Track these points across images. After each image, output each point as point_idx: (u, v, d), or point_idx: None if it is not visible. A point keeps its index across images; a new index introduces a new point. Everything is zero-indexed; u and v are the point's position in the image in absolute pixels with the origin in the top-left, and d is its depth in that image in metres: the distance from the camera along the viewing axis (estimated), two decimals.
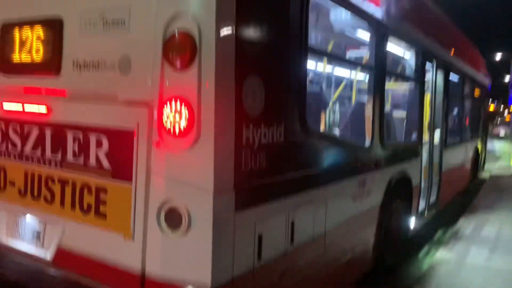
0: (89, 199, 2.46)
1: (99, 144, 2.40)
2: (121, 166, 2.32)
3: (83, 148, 2.47)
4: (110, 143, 2.36)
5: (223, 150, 2.14)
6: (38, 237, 2.76)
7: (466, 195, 9.07)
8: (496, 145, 18.52)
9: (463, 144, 8.20)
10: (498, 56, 37.49)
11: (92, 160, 2.43)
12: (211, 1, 2.05)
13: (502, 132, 27.48)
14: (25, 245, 2.81)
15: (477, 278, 4.49)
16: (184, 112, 2.09)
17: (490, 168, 13.78)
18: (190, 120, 2.09)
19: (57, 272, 2.59)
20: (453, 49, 6.93)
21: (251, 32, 2.30)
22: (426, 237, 6.15)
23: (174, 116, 2.11)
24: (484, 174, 12.36)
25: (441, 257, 5.10)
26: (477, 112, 10.17)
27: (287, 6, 2.64)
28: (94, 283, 2.41)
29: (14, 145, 2.82)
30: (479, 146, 10.45)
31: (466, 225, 6.64)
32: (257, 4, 2.35)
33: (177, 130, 2.12)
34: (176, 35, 2.10)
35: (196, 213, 2.12)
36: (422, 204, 5.75)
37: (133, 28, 2.28)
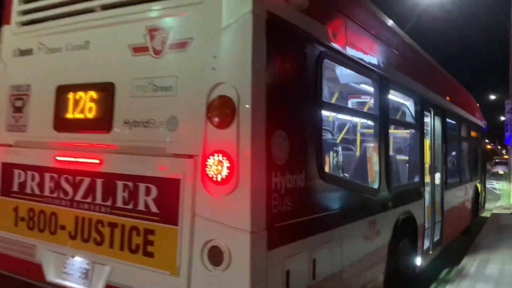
0: (137, 240, 2.80)
1: (147, 191, 2.77)
2: (168, 210, 2.68)
3: (132, 195, 2.84)
4: (158, 190, 2.73)
5: (257, 195, 2.51)
6: (86, 276, 3.06)
7: (468, 234, 9.34)
8: (495, 184, 18.86)
9: (463, 185, 8.55)
10: (493, 97, 38.69)
11: (141, 206, 2.79)
12: (248, 75, 2.48)
13: (500, 170, 27.84)
14: (72, 284, 3.11)
15: None
16: (225, 163, 2.48)
17: (491, 207, 14.07)
18: (230, 170, 2.47)
19: None
20: (448, 97, 7.44)
21: (277, 96, 2.73)
22: (432, 275, 6.41)
23: (217, 167, 2.49)
24: (485, 213, 12.64)
25: None
26: (475, 153, 10.59)
27: (304, 72, 3.09)
28: None
29: (65, 193, 3.19)
30: (479, 186, 10.80)
31: (470, 263, 6.88)
32: (281, 74, 2.79)
33: (219, 178, 2.50)
34: (219, 100, 2.52)
35: (236, 251, 2.46)
36: (426, 243, 6.03)
37: (180, 93, 2.71)
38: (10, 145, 3.59)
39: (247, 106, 2.48)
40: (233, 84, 2.51)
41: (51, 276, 3.24)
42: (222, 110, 2.51)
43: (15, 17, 3.69)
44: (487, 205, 14.17)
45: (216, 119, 2.52)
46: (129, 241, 2.84)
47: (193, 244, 2.57)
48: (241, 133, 2.48)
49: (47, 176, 3.30)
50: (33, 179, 3.39)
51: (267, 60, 2.59)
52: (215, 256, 2.50)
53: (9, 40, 3.71)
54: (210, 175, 2.52)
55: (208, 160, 2.53)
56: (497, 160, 36.11)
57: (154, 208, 2.74)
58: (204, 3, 2.67)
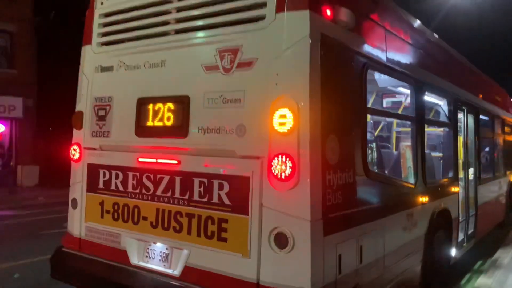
0: (212, 228, 3.35)
1: (221, 186, 3.32)
2: (239, 202, 3.21)
3: (208, 190, 3.39)
4: (230, 185, 3.27)
5: (315, 190, 3.01)
6: (166, 259, 3.64)
7: (503, 228, 9.56)
8: None
9: (497, 180, 8.79)
10: None
11: (215, 199, 3.34)
12: (306, 89, 2.98)
13: None
14: (154, 266, 3.70)
15: None
16: (288, 164, 2.99)
17: None
18: (293, 169, 2.98)
19: (184, 284, 3.44)
20: (481, 95, 7.72)
21: (329, 105, 3.20)
22: (467, 265, 6.76)
23: (281, 166, 3.01)
24: None
25: (481, 284, 5.70)
26: (509, 149, 10.74)
27: (351, 83, 3.57)
28: None
29: (147, 189, 3.77)
30: None
31: (504, 255, 7.19)
32: (332, 86, 3.27)
33: (283, 176, 3.01)
34: (282, 110, 3.02)
35: (298, 236, 2.97)
36: (461, 235, 6.40)
37: (246, 105, 3.23)
38: (94, 149, 4.22)
39: (305, 114, 2.98)
40: (294, 97, 3.02)
41: (134, 259, 3.83)
42: (283, 119, 3.02)
43: (95, 38, 4.31)
44: None
45: (279, 127, 3.03)
46: (205, 228, 3.39)
47: (261, 230, 3.10)
48: (300, 138, 2.99)
49: (130, 174, 3.90)
50: (117, 177, 3.99)
51: (321, 75, 3.08)
52: (281, 240, 3.01)
53: (91, 58, 4.33)
54: (275, 173, 3.03)
55: (273, 161, 3.04)
56: None
57: (227, 201, 3.28)
58: (267, 28, 3.17)
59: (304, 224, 2.95)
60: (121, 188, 3.97)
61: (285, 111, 3.02)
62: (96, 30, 4.31)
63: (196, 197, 3.46)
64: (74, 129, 4.43)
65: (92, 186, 4.19)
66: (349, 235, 3.37)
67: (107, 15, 4.26)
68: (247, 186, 3.17)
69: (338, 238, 3.23)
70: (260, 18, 3.22)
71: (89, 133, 4.28)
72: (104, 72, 4.21)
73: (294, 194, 3.00)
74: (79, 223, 4.27)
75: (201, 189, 3.43)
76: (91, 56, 4.34)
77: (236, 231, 3.23)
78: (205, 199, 3.40)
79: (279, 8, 3.12)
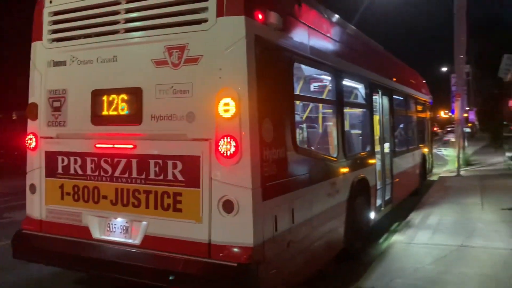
0: (168, 201, 3.94)
1: (174, 166, 3.91)
2: (191, 178, 3.83)
3: (162, 169, 3.97)
4: (183, 164, 3.87)
5: (255, 164, 3.70)
6: (126, 231, 4.19)
7: (417, 195, 10.97)
8: (445, 151, 20.91)
9: (410, 152, 10.08)
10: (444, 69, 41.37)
11: (170, 176, 3.93)
12: (245, 81, 3.63)
13: (452, 138, 30.22)
14: (115, 238, 4.23)
15: (421, 250, 6.18)
16: (232, 143, 3.64)
17: (439, 172, 15.92)
18: (236, 148, 3.64)
19: (145, 251, 4.03)
20: (395, 78, 8.84)
21: (264, 93, 3.88)
22: (385, 227, 7.89)
23: (226, 146, 3.66)
24: (434, 177, 14.42)
25: (395, 240, 6.78)
26: (422, 125, 12.18)
27: (281, 74, 4.28)
28: (174, 253, 3.87)
29: (105, 171, 4.27)
30: (426, 153, 12.45)
31: (416, 217, 8.42)
32: (266, 77, 3.94)
33: (228, 154, 3.65)
34: (225, 100, 3.66)
35: (242, 202, 3.65)
36: (379, 201, 7.47)
37: (195, 94, 3.82)
38: (51, 137, 4.61)
39: (245, 102, 3.64)
40: (235, 87, 3.66)
41: (96, 234, 4.34)
42: (227, 106, 3.66)
43: (46, 35, 4.66)
44: (437, 170, 16.05)
45: (224, 113, 3.67)
46: (161, 202, 3.98)
47: (211, 199, 3.75)
48: (242, 122, 3.65)
49: (88, 159, 4.37)
50: (76, 162, 4.44)
51: (256, 69, 3.74)
52: (228, 206, 3.68)
53: (42, 54, 4.68)
54: (222, 152, 3.68)
55: (220, 141, 3.68)
56: (449, 129, 38.78)
57: (180, 177, 3.89)
58: (209, 30, 3.77)
59: (246, 192, 3.64)
60: (80, 172, 4.43)
61: (228, 100, 3.66)
62: (46, 27, 4.66)
63: (152, 176, 4.03)
64: (28, 120, 4.78)
65: (51, 171, 4.60)
66: (283, 200, 4.12)
67: (57, 13, 4.62)
68: (198, 164, 3.79)
69: (274, 203, 3.95)
70: (203, 21, 3.81)
71: (45, 123, 4.65)
72: (57, 67, 4.58)
73: (238, 168, 3.67)
74: (39, 206, 4.67)
75: (157, 169, 4.01)
76: (43, 51, 4.68)
77: (189, 202, 3.85)
78: (161, 177, 3.98)
79: (219, 13, 3.72)
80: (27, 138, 4.74)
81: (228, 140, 3.65)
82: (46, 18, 4.66)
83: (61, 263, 4.56)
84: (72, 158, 4.47)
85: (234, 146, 3.64)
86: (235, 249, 3.67)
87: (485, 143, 31.66)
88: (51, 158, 4.60)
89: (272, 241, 3.89)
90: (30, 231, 4.71)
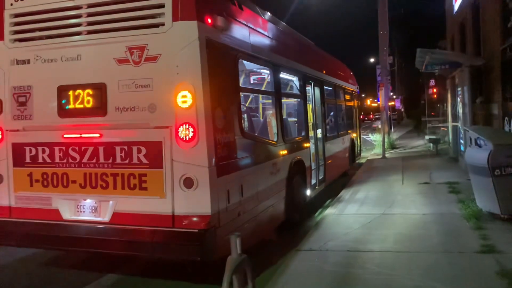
0: (134, 181, 4.54)
1: (139, 151, 4.51)
2: (155, 160, 4.46)
3: (128, 154, 4.56)
4: (147, 149, 4.49)
5: (210, 146, 4.40)
6: (96, 210, 4.74)
7: (346, 175, 12.20)
8: (372, 137, 22.70)
9: (340, 137, 11.23)
10: (372, 60, 44.08)
11: (135, 160, 4.53)
12: (199, 76, 4.31)
13: (379, 125, 32.50)
14: (85, 217, 4.77)
15: (350, 219, 7.21)
16: (190, 129, 4.32)
17: (367, 155, 17.45)
18: (194, 133, 4.32)
19: (114, 226, 4.61)
20: (324, 70, 9.87)
21: (216, 86, 4.58)
22: (319, 202, 8.92)
23: (185, 132, 4.33)
24: (363, 160, 15.85)
25: (328, 212, 7.79)
26: (350, 112, 13.43)
27: (229, 69, 5.01)
28: (142, 226, 4.50)
29: (74, 158, 4.77)
30: (355, 138, 13.75)
31: (345, 193, 9.53)
32: (217, 72, 4.64)
33: (187, 138, 4.33)
34: (182, 92, 4.32)
35: (200, 178, 4.35)
36: (313, 180, 8.46)
37: (155, 88, 4.44)
38: (18, 130, 5.02)
39: (200, 95, 4.33)
40: (191, 82, 4.34)
41: (67, 215, 4.85)
42: (184, 98, 4.33)
43: (8, 36, 5.04)
44: (365, 154, 17.57)
45: (182, 104, 4.34)
46: (128, 182, 4.57)
47: (173, 178, 4.41)
48: (197, 111, 4.33)
49: (56, 149, 4.84)
50: (43, 152, 4.90)
51: (208, 66, 4.44)
52: (188, 183, 4.36)
53: (5, 53, 5.04)
54: (181, 137, 4.35)
55: (179, 128, 4.35)
56: (377, 116, 41.45)
57: (144, 160, 4.50)
58: (166, 32, 4.40)
59: (204, 170, 4.35)
60: (48, 160, 4.89)
61: (185, 93, 4.33)
62: (8, 28, 5.03)
63: (118, 160, 4.61)
64: None
65: (18, 161, 5.02)
66: (233, 177, 4.87)
67: (18, 15, 5.01)
68: (161, 148, 4.44)
69: (226, 179, 4.69)
70: (161, 24, 4.44)
71: (10, 117, 5.04)
72: (21, 65, 4.99)
73: (196, 150, 4.36)
74: (7, 194, 5.07)
75: (122, 154, 4.59)
76: (5, 51, 5.05)
77: (153, 181, 4.49)
78: (127, 161, 4.58)
79: (175, 18, 4.37)
80: None
81: (187, 127, 4.33)
82: (8, 20, 5.03)
83: (33, 243, 5.02)
84: (40, 148, 4.92)
85: (192, 131, 4.33)
86: (195, 218, 4.37)
87: (410, 129, 34.37)
88: (18, 149, 5.01)
89: (225, 211, 4.63)
90: None
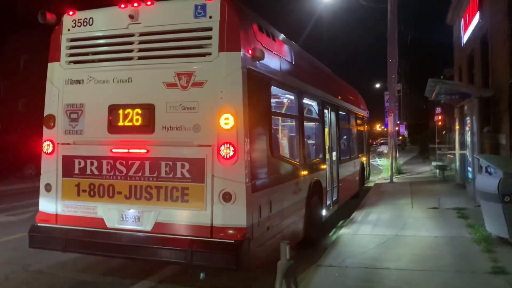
0: (177, 194, 5.02)
1: (182, 166, 5.00)
2: (197, 175, 4.94)
3: (172, 169, 5.04)
4: (190, 165, 4.98)
5: (247, 164, 4.90)
6: (138, 220, 5.20)
7: (356, 198, 12.63)
8: (378, 161, 23.19)
9: (352, 161, 11.72)
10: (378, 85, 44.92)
11: (179, 174, 5.02)
12: (240, 101, 4.83)
13: (384, 150, 33.02)
14: (128, 226, 5.23)
15: (365, 239, 7.63)
16: (231, 149, 4.82)
17: (375, 179, 17.89)
18: (234, 152, 4.82)
19: (155, 235, 5.06)
20: (340, 96, 10.43)
21: (253, 111, 5.08)
22: (333, 222, 9.34)
23: (226, 151, 4.83)
24: (370, 184, 16.29)
25: (343, 232, 8.21)
26: (361, 136, 13.96)
27: (264, 94, 5.53)
28: (182, 236, 4.95)
29: (120, 171, 5.26)
30: (364, 162, 14.24)
31: (358, 215, 9.94)
32: (255, 98, 5.16)
33: (227, 156, 4.82)
34: (225, 115, 4.84)
35: (238, 193, 4.82)
36: (329, 201, 8.91)
37: (200, 110, 4.95)
38: (68, 143, 5.53)
39: (240, 117, 4.84)
40: (233, 106, 4.85)
41: (110, 224, 5.31)
42: (227, 120, 4.84)
43: (64, 58, 5.60)
44: (372, 178, 18.01)
45: (224, 125, 4.85)
46: (171, 195, 5.05)
47: (213, 192, 4.88)
48: (238, 132, 4.84)
49: (104, 162, 5.34)
50: (92, 164, 5.39)
51: (248, 92, 4.96)
52: (226, 197, 4.84)
53: (60, 73, 5.60)
54: (222, 155, 4.85)
55: (221, 147, 4.85)
56: (382, 141, 42.02)
57: (187, 175, 4.99)
58: (213, 61, 4.94)
59: (241, 185, 4.83)
60: (96, 172, 5.39)
61: (228, 115, 4.84)
62: (64, 51, 5.60)
63: (163, 174, 5.10)
64: (45, 128, 5.65)
65: (67, 172, 5.51)
66: (265, 194, 5.34)
67: (74, 40, 5.58)
68: (203, 164, 4.93)
69: (259, 195, 5.16)
70: (207, 54, 4.98)
71: (62, 131, 5.56)
72: (75, 85, 5.53)
73: (235, 168, 4.85)
74: (54, 202, 5.55)
75: (167, 169, 5.08)
76: (60, 71, 5.61)
77: (195, 194, 4.97)
78: (171, 175, 5.07)
79: (221, 49, 4.92)
80: (44, 144, 5.61)
81: (228, 146, 4.83)
82: (64, 43, 5.60)
83: (78, 249, 5.47)
84: (88, 161, 5.42)
85: (232, 150, 4.83)
86: (232, 231, 4.82)
87: (415, 154, 34.83)
88: (68, 161, 5.51)
89: (257, 224, 5.09)
90: (45, 224, 5.56)
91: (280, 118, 7.60)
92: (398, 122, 46.11)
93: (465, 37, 16.25)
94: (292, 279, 3.73)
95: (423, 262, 6.19)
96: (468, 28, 15.29)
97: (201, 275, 5.09)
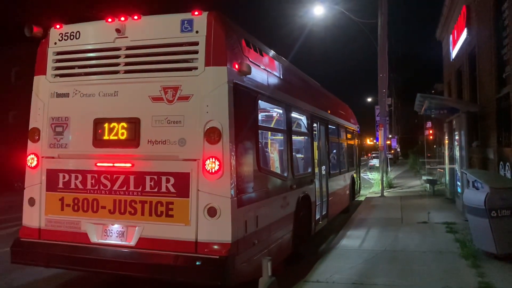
0: (161, 208, 4.97)
1: (167, 180, 4.97)
2: (182, 189, 4.91)
3: (157, 183, 5.01)
4: (175, 179, 4.94)
5: (233, 179, 4.88)
6: (122, 235, 5.14)
7: (347, 212, 12.61)
8: (370, 175, 23.24)
9: (342, 175, 11.73)
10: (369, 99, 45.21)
11: (163, 189, 4.98)
12: (226, 115, 4.83)
13: (376, 164, 33.13)
14: (112, 241, 5.16)
15: (354, 254, 7.59)
16: (216, 163, 4.80)
17: (365, 193, 17.90)
18: (219, 166, 4.80)
19: (139, 250, 5.00)
20: (329, 110, 10.47)
21: (239, 126, 5.08)
22: (321, 237, 9.29)
23: (211, 165, 4.81)
24: (361, 198, 16.29)
25: (332, 247, 8.17)
26: (351, 151, 14.00)
27: (250, 109, 5.53)
28: (166, 251, 4.89)
29: (105, 185, 5.21)
30: (355, 176, 14.26)
31: (348, 229, 9.92)
32: (241, 112, 5.16)
33: (213, 171, 4.80)
34: (210, 129, 4.82)
35: (223, 208, 4.79)
36: (318, 215, 8.89)
37: (186, 124, 4.94)
38: (53, 157, 5.48)
39: (226, 132, 4.83)
40: (219, 120, 4.85)
41: (94, 239, 5.24)
42: (212, 134, 4.83)
43: (50, 71, 5.58)
44: (364, 192, 18.02)
45: (210, 139, 4.83)
46: (155, 210, 5.00)
47: (198, 206, 4.84)
48: (224, 146, 4.83)
49: (89, 176, 5.29)
50: (76, 178, 5.34)
51: (234, 107, 4.96)
52: (212, 212, 4.80)
53: (46, 86, 5.57)
54: (207, 169, 4.82)
55: (206, 161, 4.83)
56: (374, 155, 42.14)
57: (172, 189, 4.95)
58: (199, 76, 4.95)
59: (226, 200, 4.80)
60: (80, 186, 5.33)
61: (213, 129, 4.83)
62: (50, 64, 5.58)
63: (148, 188, 5.06)
64: (29, 142, 5.61)
65: (51, 186, 5.45)
66: (251, 208, 5.31)
67: (60, 53, 5.57)
68: (188, 179, 4.90)
69: (245, 210, 5.13)
70: (194, 68, 4.99)
71: (46, 145, 5.52)
72: (60, 98, 5.50)
73: (220, 182, 4.83)
74: (38, 216, 5.47)
75: (152, 183, 5.04)
76: (46, 84, 5.58)
77: (180, 209, 4.92)
78: (155, 190, 5.03)
79: (207, 63, 4.93)
80: (29, 157, 5.56)
81: (213, 160, 4.81)
82: (51, 57, 5.59)
83: (61, 264, 5.38)
84: (73, 175, 5.36)
85: (218, 165, 4.81)
86: (216, 246, 4.78)
87: (406, 168, 34.97)
88: (52, 174, 5.45)
89: (243, 240, 5.05)
90: (28, 238, 5.48)
91: (268, 132, 7.59)
92: (390, 136, 46.47)
93: (454, 53, 16.50)
94: None
95: (411, 277, 6.18)
96: (457, 44, 15.55)
97: None
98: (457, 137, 12.70)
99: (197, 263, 4.74)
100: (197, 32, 5.00)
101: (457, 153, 12.90)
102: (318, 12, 20.78)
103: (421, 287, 5.73)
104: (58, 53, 5.58)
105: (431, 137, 29.90)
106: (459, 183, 12.42)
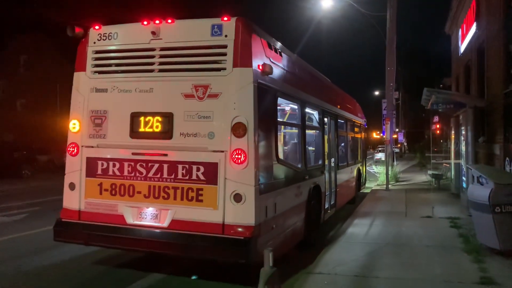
0: (192, 194, 5.76)
1: (198, 169, 5.76)
2: (211, 177, 5.69)
3: (188, 172, 5.79)
4: (205, 168, 5.73)
5: (256, 169, 5.65)
6: (156, 217, 5.94)
7: (352, 203, 13.40)
8: (376, 169, 24.03)
9: (349, 167, 12.54)
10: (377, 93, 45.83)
11: (194, 177, 5.76)
12: (251, 112, 5.59)
13: (382, 157, 33.89)
14: (146, 222, 5.96)
15: (357, 246, 8.23)
16: (242, 154, 5.58)
17: (371, 186, 18.70)
18: (244, 158, 5.57)
19: (172, 230, 5.80)
20: (338, 105, 11.24)
21: (262, 120, 5.84)
22: (331, 225, 10.09)
23: (237, 156, 5.58)
24: (367, 190, 17.09)
25: (337, 239, 8.90)
26: (358, 144, 14.79)
27: (271, 105, 6.30)
28: (196, 232, 5.69)
29: (140, 173, 6.00)
30: (361, 168, 15.06)
31: (352, 221, 10.67)
32: (264, 109, 5.92)
33: (239, 162, 5.58)
34: (237, 124, 5.58)
35: (247, 194, 5.57)
36: (327, 204, 9.70)
37: (215, 119, 5.71)
38: (92, 146, 6.28)
39: (251, 127, 5.61)
40: (245, 116, 5.62)
41: (130, 220, 6.04)
42: (239, 129, 5.60)
43: (89, 68, 6.36)
44: (369, 185, 18.82)
45: (236, 133, 5.61)
46: (187, 195, 5.79)
47: (225, 193, 5.63)
48: (249, 140, 5.60)
49: (125, 164, 6.08)
50: (114, 166, 6.13)
51: (258, 104, 5.73)
52: (237, 198, 5.58)
53: (86, 82, 6.36)
54: (234, 160, 5.60)
55: (233, 153, 5.61)
56: (380, 148, 42.90)
57: (202, 177, 5.74)
58: (227, 76, 5.71)
59: (250, 188, 5.58)
60: (117, 173, 6.13)
61: (240, 124, 5.61)
62: (90, 62, 6.36)
63: (180, 176, 5.85)
64: (69, 132, 6.39)
65: (91, 172, 6.25)
66: (270, 195, 6.10)
67: (99, 52, 6.34)
68: (216, 168, 5.68)
69: (265, 197, 5.91)
70: (222, 68, 5.75)
71: (86, 135, 6.31)
72: (99, 93, 6.28)
73: (245, 172, 5.60)
74: (78, 199, 6.28)
75: (183, 171, 5.84)
76: (86, 80, 6.36)
77: (208, 195, 5.72)
78: (187, 177, 5.82)
79: (235, 64, 5.69)
80: (70, 146, 6.35)
81: (239, 152, 5.59)
82: (90, 55, 6.36)
83: (99, 242, 6.20)
84: (111, 163, 6.16)
85: (243, 156, 5.59)
86: (241, 228, 5.57)
87: (413, 163, 35.66)
88: (91, 162, 6.25)
89: (264, 223, 5.85)
90: (68, 219, 6.29)
91: (284, 126, 8.37)
92: (397, 130, 47.17)
93: (463, 47, 17.13)
94: (276, 286, 4.18)
95: (412, 271, 6.53)
96: (466, 38, 16.13)
97: (193, 277, 5.83)
98: (463, 132, 13.30)
99: (224, 243, 5.54)
100: (226, 36, 5.75)
101: (463, 148, 13.53)
102: (326, 4, 21.39)
103: (423, 281, 6.07)
104: (97, 52, 6.35)
105: (438, 131, 30.60)
106: (464, 178, 13.02)
